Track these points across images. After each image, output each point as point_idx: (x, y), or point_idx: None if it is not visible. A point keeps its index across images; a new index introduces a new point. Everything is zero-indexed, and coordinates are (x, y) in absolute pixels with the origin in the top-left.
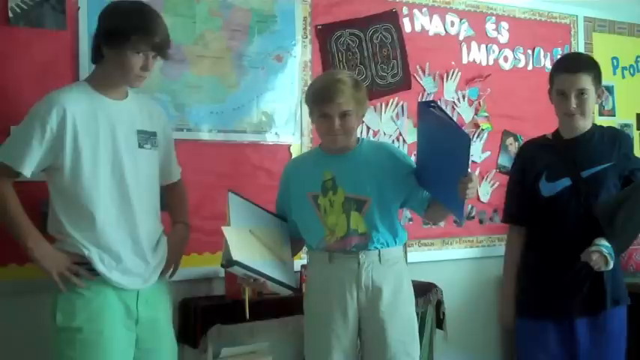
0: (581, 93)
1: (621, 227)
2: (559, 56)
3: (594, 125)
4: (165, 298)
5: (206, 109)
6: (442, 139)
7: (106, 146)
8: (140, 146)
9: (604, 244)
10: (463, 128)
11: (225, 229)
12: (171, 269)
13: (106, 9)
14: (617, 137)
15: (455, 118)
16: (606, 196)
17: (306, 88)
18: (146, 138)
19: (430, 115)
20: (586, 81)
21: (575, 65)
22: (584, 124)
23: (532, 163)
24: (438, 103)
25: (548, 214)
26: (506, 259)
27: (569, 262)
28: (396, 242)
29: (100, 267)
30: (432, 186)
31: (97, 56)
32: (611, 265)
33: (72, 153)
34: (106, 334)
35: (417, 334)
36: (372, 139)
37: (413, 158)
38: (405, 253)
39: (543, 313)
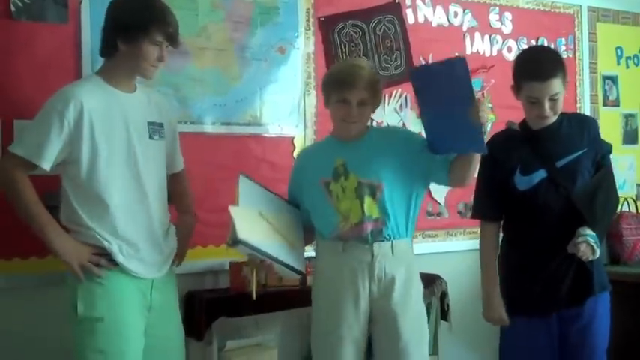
0: (552, 98)
1: (600, 213)
2: (563, 47)
3: (559, 116)
4: (174, 286)
5: (209, 101)
6: (440, 87)
7: (121, 139)
8: (151, 137)
9: (589, 234)
10: None
11: (231, 208)
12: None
13: (117, 2)
14: (584, 123)
15: None
16: (582, 183)
17: (309, 80)
18: (155, 129)
19: (421, 75)
20: (557, 84)
21: (544, 72)
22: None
23: (504, 157)
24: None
25: (527, 209)
26: (482, 256)
27: (553, 254)
28: (407, 233)
29: (120, 257)
30: (447, 142)
31: (109, 50)
32: (597, 254)
33: (89, 146)
34: (127, 322)
35: (427, 325)
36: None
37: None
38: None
39: (529, 310)
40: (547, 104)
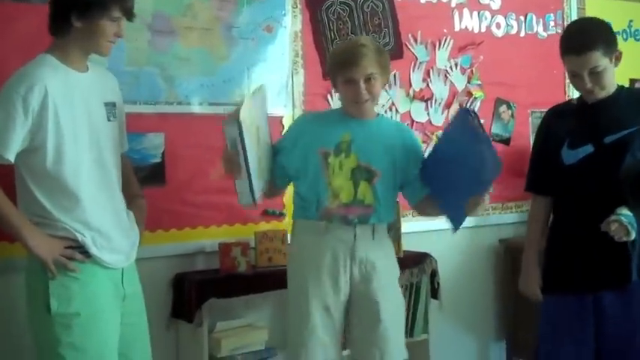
0: (593, 71)
1: None
2: (552, 22)
3: (619, 87)
4: (137, 272)
5: (196, 81)
6: (469, 151)
7: (84, 122)
8: (108, 119)
9: (624, 213)
10: (456, 97)
11: (247, 97)
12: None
13: None
14: None
15: (447, 87)
16: (632, 162)
17: (297, 59)
18: (110, 110)
19: (466, 124)
20: (596, 58)
21: (581, 45)
22: (607, 93)
23: (555, 130)
24: (477, 115)
25: (571, 183)
26: (527, 229)
27: (593, 234)
28: (389, 219)
29: (94, 249)
30: (439, 188)
31: (61, 27)
32: (632, 236)
33: (55, 133)
34: (104, 316)
35: (404, 310)
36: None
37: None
38: (399, 221)
39: (565, 288)
40: (587, 78)
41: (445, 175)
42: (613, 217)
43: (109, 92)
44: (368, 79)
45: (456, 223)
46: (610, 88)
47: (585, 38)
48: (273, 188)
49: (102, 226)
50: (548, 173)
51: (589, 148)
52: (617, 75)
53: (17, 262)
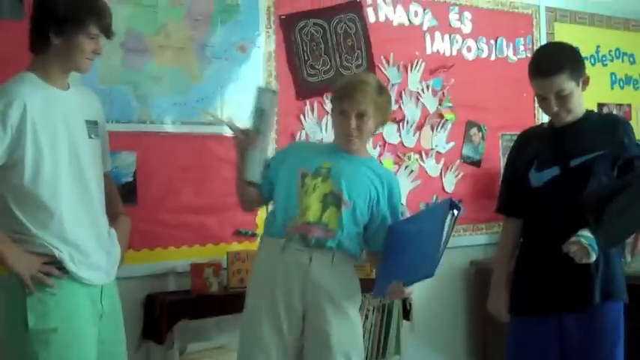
0: (558, 94)
1: (611, 219)
2: (522, 47)
3: (588, 112)
4: (117, 290)
5: (169, 100)
6: (426, 242)
7: (63, 140)
8: (89, 136)
9: (584, 235)
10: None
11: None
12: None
13: None
14: (611, 124)
15: (419, 109)
16: (597, 185)
17: (270, 80)
18: (92, 128)
19: (444, 217)
20: (562, 81)
21: (547, 69)
22: (574, 116)
23: (524, 152)
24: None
25: (537, 205)
26: (497, 251)
27: (556, 255)
28: (352, 252)
29: (71, 266)
30: (387, 252)
31: (40, 44)
32: (593, 257)
33: (33, 149)
34: (82, 332)
35: (362, 338)
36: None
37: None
38: None
39: (531, 309)
40: (554, 101)
41: (397, 245)
42: (573, 239)
43: (90, 110)
44: (360, 115)
45: (378, 292)
46: (577, 112)
47: (552, 62)
48: (256, 195)
49: (80, 242)
50: (518, 195)
51: (555, 171)
52: (584, 99)
53: None
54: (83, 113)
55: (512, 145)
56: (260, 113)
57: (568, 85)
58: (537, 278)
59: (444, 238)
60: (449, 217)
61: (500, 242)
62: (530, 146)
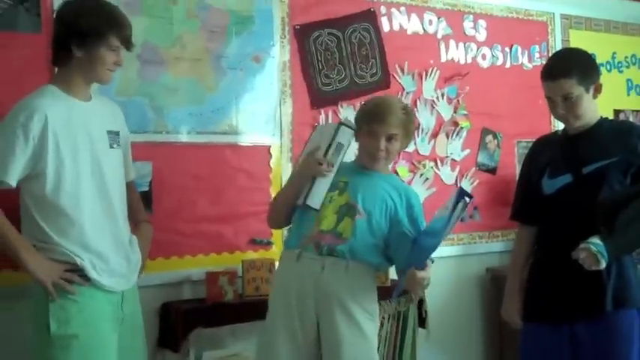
0: (566, 98)
1: (622, 227)
2: (537, 54)
3: (602, 119)
4: (138, 297)
5: (184, 111)
6: (434, 227)
7: (85, 150)
8: (111, 146)
9: (594, 242)
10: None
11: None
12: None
13: (69, 8)
14: (625, 131)
15: (434, 117)
16: (609, 192)
17: (285, 89)
18: (114, 138)
19: (453, 202)
20: (569, 85)
21: (555, 71)
22: (586, 122)
23: (537, 159)
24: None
25: (550, 213)
26: (511, 257)
27: (568, 263)
28: (370, 262)
29: (93, 274)
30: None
31: (63, 57)
32: (602, 265)
33: (54, 160)
34: (102, 338)
35: (375, 352)
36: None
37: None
38: None
39: (543, 316)
40: (561, 104)
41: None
42: (582, 246)
43: (112, 121)
44: (390, 138)
45: (396, 290)
46: (588, 119)
47: (561, 65)
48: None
49: (101, 249)
50: (531, 202)
51: (567, 178)
52: (600, 105)
53: (20, 289)
54: (105, 123)
55: (527, 152)
56: (339, 148)
57: (576, 89)
58: (550, 285)
59: (451, 222)
60: (461, 203)
61: (514, 249)
62: (543, 154)
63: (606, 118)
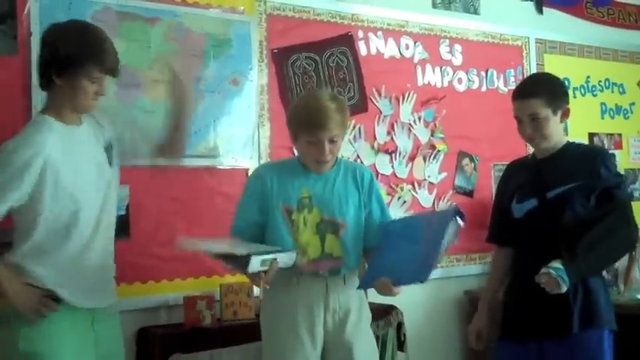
0: (533, 118)
1: (583, 251)
2: (512, 78)
3: (568, 143)
4: (116, 322)
5: (162, 134)
6: (424, 245)
7: (89, 176)
8: (110, 164)
9: (554, 266)
10: (419, 149)
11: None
12: None
13: (51, 33)
14: (589, 155)
15: (411, 140)
16: (572, 216)
17: (263, 112)
18: (111, 154)
19: (445, 223)
20: (536, 105)
21: (523, 91)
22: (552, 146)
23: (509, 183)
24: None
25: (520, 236)
26: (487, 277)
27: (536, 284)
28: (358, 264)
29: (68, 297)
30: (382, 251)
31: (46, 84)
32: (563, 288)
33: (52, 195)
34: (65, 354)
35: (377, 351)
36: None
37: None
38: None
39: (514, 335)
40: (528, 124)
41: (391, 243)
42: (543, 270)
43: (103, 137)
44: (332, 140)
45: (363, 284)
46: (554, 142)
47: (530, 85)
48: None
49: (82, 275)
50: (504, 225)
51: (533, 202)
52: (575, 128)
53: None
54: (100, 142)
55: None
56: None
57: (543, 110)
58: (521, 305)
59: (443, 246)
60: (452, 225)
61: (490, 270)
62: (513, 177)
63: (572, 143)
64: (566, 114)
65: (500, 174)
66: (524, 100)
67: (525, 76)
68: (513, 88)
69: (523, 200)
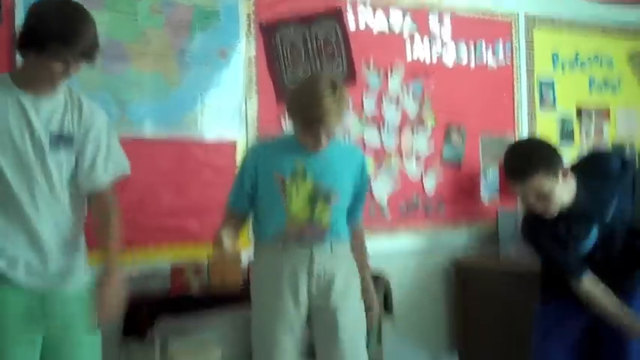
0: (538, 193)
1: None
2: (501, 53)
3: (579, 189)
4: (85, 300)
5: (149, 106)
6: None
7: (15, 147)
8: (52, 149)
9: None
10: (407, 122)
11: None
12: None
13: (33, 7)
14: (602, 174)
15: (399, 113)
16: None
17: (251, 85)
18: (59, 139)
19: None
20: (536, 182)
21: (520, 171)
22: (562, 203)
23: (545, 235)
24: None
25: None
26: (605, 305)
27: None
28: (345, 236)
29: (2, 266)
30: None
31: (22, 53)
32: None
33: None
34: (5, 335)
35: (365, 321)
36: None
37: None
38: None
39: (562, 295)
40: (537, 202)
41: None
42: None
43: (67, 121)
44: (329, 131)
45: None
46: (565, 199)
47: (524, 164)
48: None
49: (10, 249)
50: (576, 259)
51: (595, 232)
52: (563, 103)
53: None
54: (55, 122)
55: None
56: None
57: (546, 183)
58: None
59: None
60: None
61: (596, 303)
62: (547, 231)
63: (580, 184)
64: (565, 173)
65: (488, 146)
66: (524, 180)
67: (514, 52)
68: (502, 64)
69: (587, 235)
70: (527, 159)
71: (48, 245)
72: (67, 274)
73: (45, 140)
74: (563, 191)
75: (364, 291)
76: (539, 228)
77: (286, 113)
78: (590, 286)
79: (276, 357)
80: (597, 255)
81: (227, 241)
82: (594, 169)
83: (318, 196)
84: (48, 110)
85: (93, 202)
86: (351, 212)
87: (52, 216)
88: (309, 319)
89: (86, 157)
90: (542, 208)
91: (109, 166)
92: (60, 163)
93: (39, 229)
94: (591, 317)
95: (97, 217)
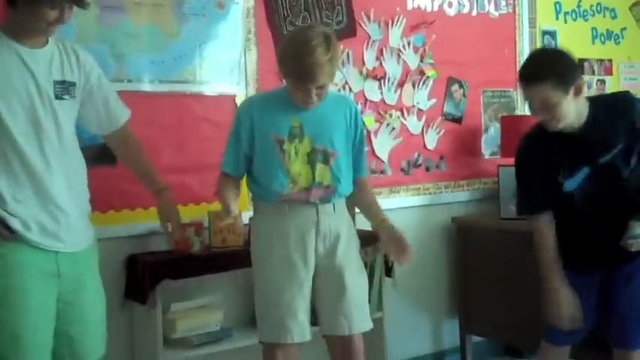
0: (543, 102)
1: None
2: (503, 1)
3: (592, 108)
4: (91, 257)
5: (146, 58)
6: None
7: (20, 100)
8: (57, 97)
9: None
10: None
11: None
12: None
13: None
14: (619, 112)
15: (400, 66)
16: (633, 177)
17: (250, 36)
18: (65, 88)
19: None
20: (543, 90)
21: (529, 76)
22: (574, 121)
23: (536, 157)
24: None
25: (570, 204)
26: (539, 252)
27: (597, 233)
28: (348, 191)
29: (16, 225)
30: None
31: (9, 3)
32: None
33: None
34: (20, 288)
35: (366, 275)
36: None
37: None
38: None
39: (574, 266)
40: (540, 110)
41: None
42: (630, 240)
43: (67, 70)
44: (320, 87)
45: None
46: (572, 119)
47: (535, 69)
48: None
49: (26, 208)
50: (546, 196)
51: (585, 171)
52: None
53: None
54: (53, 73)
55: (519, 150)
56: None
57: (553, 94)
58: (582, 239)
59: None
60: None
61: (539, 243)
62: (543, 151)
63: (595, 102)
64: (579, 90)
65: (490, 100)
66: (531, 85)
67: (517, 3)
68: (504, 12)
69: (574, 173)
70: (540, 66)
71: (59, 201)
72: (79, 232)
73: (49, 89)
74: (570, 108)
75: (390, 231)
76: (535, 146)
77: (278, 67)
78: (542, 226)
79: (290, 313)
80: (580, 202)
81: (235, 208)
82: (615, 103)
83: (317, 157)
84: (46, 60)
85: (116, 140)
86: (356, 169)
87: (62, 169)
88: (315, 277)
89: (98, 97)
90: (546, 118)
91: (119, 102)
92: (67, 111)
93: (49, 185)
94: (600, 277)
95: (127, 149)
